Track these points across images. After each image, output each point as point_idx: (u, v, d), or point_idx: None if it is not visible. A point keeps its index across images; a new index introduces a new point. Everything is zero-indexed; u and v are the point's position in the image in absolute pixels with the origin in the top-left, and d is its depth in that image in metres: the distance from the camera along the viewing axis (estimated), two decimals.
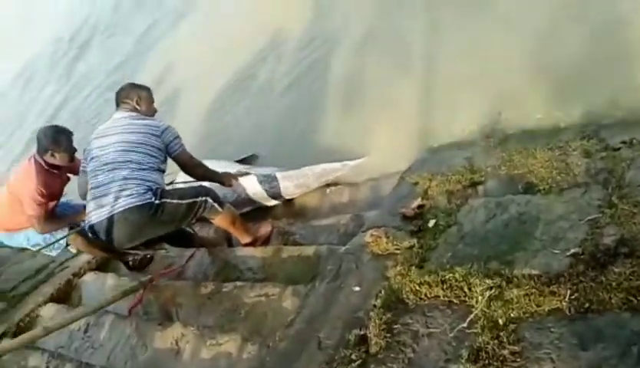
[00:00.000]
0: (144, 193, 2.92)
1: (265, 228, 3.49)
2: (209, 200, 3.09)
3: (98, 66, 8.98)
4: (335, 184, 3.55)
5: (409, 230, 2.61)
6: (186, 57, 7.01)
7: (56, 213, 3.70)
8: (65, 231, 3.69)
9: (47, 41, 10.98)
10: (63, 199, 3.98)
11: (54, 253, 3.97)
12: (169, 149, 3.17)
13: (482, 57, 3.41)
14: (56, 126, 3.55)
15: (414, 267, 2.29)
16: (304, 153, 3.96)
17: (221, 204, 3.17)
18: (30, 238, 3.74)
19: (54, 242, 3.77)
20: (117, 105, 3.31)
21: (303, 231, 3.37)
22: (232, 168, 3.69)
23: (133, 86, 3.37)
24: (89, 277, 4.00)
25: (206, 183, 3.35)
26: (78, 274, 4.07)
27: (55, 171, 3.56)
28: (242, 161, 4.28)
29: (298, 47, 5.12)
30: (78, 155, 3.65)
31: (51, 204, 3.58)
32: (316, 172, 3.55)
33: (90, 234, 3.15)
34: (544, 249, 2.11)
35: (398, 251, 2.45)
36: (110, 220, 2.96)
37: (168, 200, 2.96)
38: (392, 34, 4.27)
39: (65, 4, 12.06)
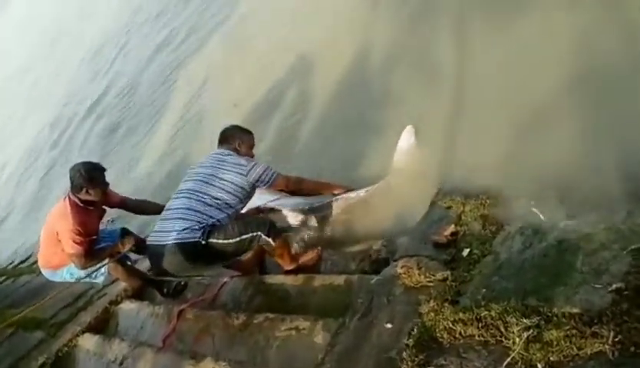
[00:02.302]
0: (197, 230, 2.99)
1: (310, 256, 3.43)
2: (262, 236, 3.09)
3: None
4: (366, 208, 3.46)
5: (442, 259, 2.52)
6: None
7: (94, 247, 3.76)
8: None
9: None
10: (101, 227, 4.07)
11: (99, 280, 4.03)
12: (261, 184, 3.29)
13: (519, 77, 3.28)
14: (89, 163, 3.61)
15: (447, 303, 2.20)
16: (330, 174, 3.91)
17: (276, 235, 3.15)
18: (73, 273, 3.82)
19: (95, 270, 3.82)
20: (220, 142, 3.46)
21: (335, 257, 3.31)
22: (261, 200, 3.65)
23: (239, 129, 3.55)
24: (125, 305, 4.04)
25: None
26: (115, 302, 4.12)
27: (91, 207, 3.62)
28: None
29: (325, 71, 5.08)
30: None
31: (89, 239, 3.63)
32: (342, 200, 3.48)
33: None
34: (585, 283, 1.99)
35: (431, 284, 2.36)
36: (163, 248, 3.04)
37: (214, 240, 3.00)
38: (421, 52, 4.17)
39: None
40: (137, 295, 4.09)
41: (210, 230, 3.01)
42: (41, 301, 3.94)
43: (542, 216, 2.47)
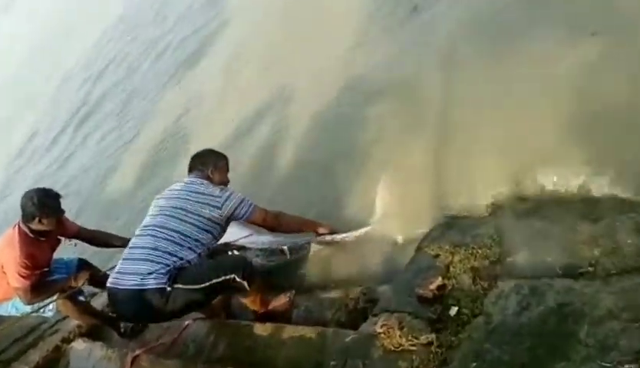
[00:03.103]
0: (163, 275, 2.62)
1: (281, 301, 3.07)
2: (237, 279, 2.71)
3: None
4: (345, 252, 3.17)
5: (427, 318, 2.23)
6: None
7: (45, 281, 3.41)
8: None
9: None
10: (57, 257, 3.72)
11: (49, 314, 3.68)
12: (236, 218, 2.95)
13: (509, 115, 3.05)
14: (43, 190, 3.27)
15: None
16: (310, 212, 3.63)
17: (252, 278, 2.78)
18: (18, 307, 3.47)
19: (41, 307, 3.47)
20: (190, 169, 3.11)
21: (309, 303, 3.00)
22: (231, 235, 3.33)
23: (212, 154, 3.18)
24: (78, 345, 3.66)
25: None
26: (67, 340, 3.75)
27: (42, 238, 3.28)
28: None
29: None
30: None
31: (38, 272, 3.29)
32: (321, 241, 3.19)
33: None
34: (590, 360, 1.72)
35: (414, 348, 2.07)
36: (124, 293, 2.68)
37: (181, 286, 2.63)
38: (409, 88, 3.95)
39: None
40: (92, 333, 3.72)
41: (177, 273, 2.65)
42: None
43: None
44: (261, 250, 3.29)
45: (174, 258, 2.68)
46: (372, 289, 2.77)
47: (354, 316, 2.72)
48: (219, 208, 2.85)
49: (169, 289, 2.60)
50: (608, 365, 1.66)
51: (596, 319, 1.85)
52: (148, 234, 2.79)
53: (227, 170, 3.17)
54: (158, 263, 2.65)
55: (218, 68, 7.27)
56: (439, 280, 2.36)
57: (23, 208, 3.18)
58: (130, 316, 2.80)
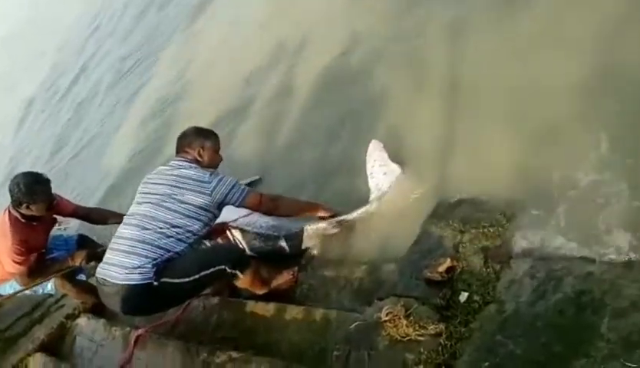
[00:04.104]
0: (147, 269, 2.50)
1: (284, 279, 2.96)
2: (227, 269, 2.59)
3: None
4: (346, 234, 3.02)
5: (435, 304, 2.10)
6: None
7: (42, 261, 3.34)
8: None
9: None
10: (56, 233, 3.65)
11: (49, 291, 3.64)
12: (227, 204, 2.76)
13: (526, 83, 2.80)
14: (30, 174, 3.13)
15: None
16: (312, 181, 3.47)
17: (244, 267, 2.66)
18: (16, 288, 3.40)
19: (37, 284, 3.42)
20: (178, 151, 2.89)
21: (313, 281, 2.89)
22: (231, 214, 3.19)
23: (198, 133, 2.92)
24: (82, 321, 3.62)
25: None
26: (72, 316, 3.71)
27: (35, 222, 3.17)
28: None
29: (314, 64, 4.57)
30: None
31: (34, 255, 3.20)
32: (321, 226, 3.04)
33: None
34: (612, 358, 1.58)
35: (421, 339, 1.95)
36: (109, 287, 2.58)
37: (168, 280, 2.50)
38: (412, 48, 3.68)
39: None
40: (96, 310, 3.67)
41: (164, 266, 2.51)
42: None
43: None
44: (259, 234, 3.15)
45: (162, 251, 2.55)
46: (377, 268, 2.64)
47: (359, 296, 2.61)
48: (209, 195, 2.67)
49: (155, 284, 2.48)
50: (633, 366, 1.53)
51: (618, 310, 1.71)
52: (135, 225, 2.64)
53: (217, 149, 2.95)
54: (145, 257, 2.52)
55: (218, 26, 6.97)
56: (447, 262, 2.21)
57: (11, 193, 3.06)
58: (117, 309, 2.66)
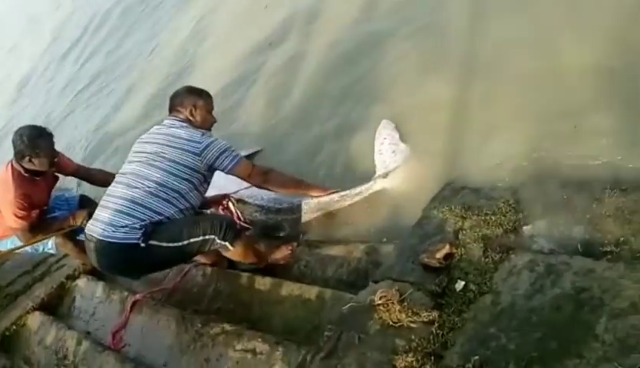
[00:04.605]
0: (136, 229, 2.47)
1: (282, 254, 2.94)
2: (217, 240, 2.55)
3: None
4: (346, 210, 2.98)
5: (430, 290, 2.07)
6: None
7: (44, 219, 3.34)
8: None
9: None
10: (58, 193, 3.63)
11: (50, 250, 3.65)
12: (216, 168, 2.72)
13: (539, 67, 2.71)
14: (33, 128, 3.10)
15: (429, 359, 1.77)
16: (316, 154, 3.41)
17: (235, 238, 2.60)
18: (17, 244, 3.41)
19: (40, 244, 3.44)
20: (170, 110, 2.86)
21: (310, 258, 2.86)
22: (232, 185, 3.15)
23: (190, 92, 2.88)
24: (82, 282, 3.66)
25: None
26: (72, 277, 3.74)
27: (37, 177, 3.16)
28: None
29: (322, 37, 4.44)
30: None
31: (36, 212, 3.20)
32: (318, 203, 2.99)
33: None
34: (606, 361, 1.54)
35: (413, 325, 1.93)
36: (96, 244, 2.55)
37: (156, 243, 2.48)
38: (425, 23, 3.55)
39: None
40: (95, 272, 3.68)
41: (153, 229, 2.49)
42: None
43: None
44: (260, 206, 3.12)
45: (150, 213, 2.53)
46: (375, 248, 2.61)
47: (356, 275, 2.59)
48: (199, 155, 2.64)
49: (142, 245, 2.45)
50: None
51: (616, 311, 1.66)
52: (124, 184, 2.63)
53: (210, 109, 2.91)
54: (132, 216, 2.50)
55: None
56: (446, 248, 2.17)
57: (14, 145, 3.05)
58: (103, 267, 2.65)
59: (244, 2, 6.29)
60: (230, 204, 3.21)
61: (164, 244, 2.49)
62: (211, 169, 2.74)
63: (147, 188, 2.56)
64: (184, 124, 2.75)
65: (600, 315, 1.68)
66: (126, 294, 3.21)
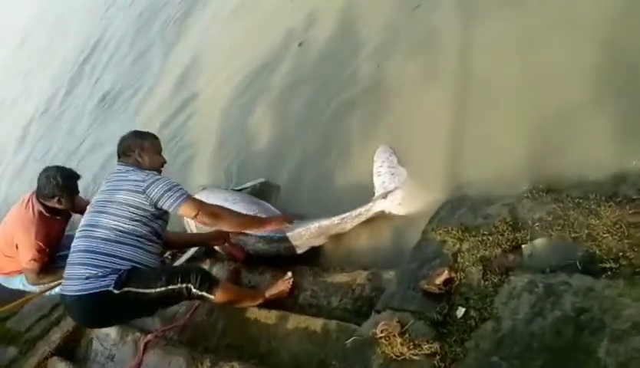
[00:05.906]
0: (103, 276, 2.50)
1: (280, 288, 2.91)
2: (193, 289, 2.56)
3: None
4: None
5: (432, 319, 2.05)
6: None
7: (53, 259, 3.40)
8: None
9: None
10: (68, 232, 3.69)
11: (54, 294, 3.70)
12: (161, 207, 2.69)
13: (530, 79, 2.67)
14: (66, 170, 3.19)
15: None
16: (317, 179, 3.41)
17: (212, 286, 2.60)
18: (25, 285, 3.49)
19: (47, 290, 3.49)
20: (119, 156, 2.89)
21: (315, 286, 2.86)
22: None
23: (135, 135, 2.92)
24: None
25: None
26: None
27: (58, 217, 3.23)
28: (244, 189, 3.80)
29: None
30: None
31: (50, 251, 3.27)
32: (326, 224, 2.98)
33: None
34: None
35: (416, 358, 1.91)
36: (70, 301, 2.59)
37: (132, 289, 2.50)
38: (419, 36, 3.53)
39: None
40: None
41: (128, 276, 2.51)
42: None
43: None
44: (261, 237, 3.13)
45: (115, 259, 2.55)
46: (378, 275, 2.60)
47: (361, 303, 2.58)
48: (142, 193, 2.63)
49: (116, 292, 2.47)
50: None
51: (618, 333, 1.63)
52: (83, 236, 2.66)
53: (158, 150, 2.94)
54: (97, 267, 2.52)
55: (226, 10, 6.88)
56: (445, 274, 2.15)
57: (43, 185, 3.11)
58: (82, 321, 2.72)
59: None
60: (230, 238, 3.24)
61: (141, 290, 2.51)
62: (159, 208, 2.71)
63: (105, 236, 2.59)
64: (131, 168, 2.78)
65: (601, 338, 1.65)
66: (138, 334, 3.23)
